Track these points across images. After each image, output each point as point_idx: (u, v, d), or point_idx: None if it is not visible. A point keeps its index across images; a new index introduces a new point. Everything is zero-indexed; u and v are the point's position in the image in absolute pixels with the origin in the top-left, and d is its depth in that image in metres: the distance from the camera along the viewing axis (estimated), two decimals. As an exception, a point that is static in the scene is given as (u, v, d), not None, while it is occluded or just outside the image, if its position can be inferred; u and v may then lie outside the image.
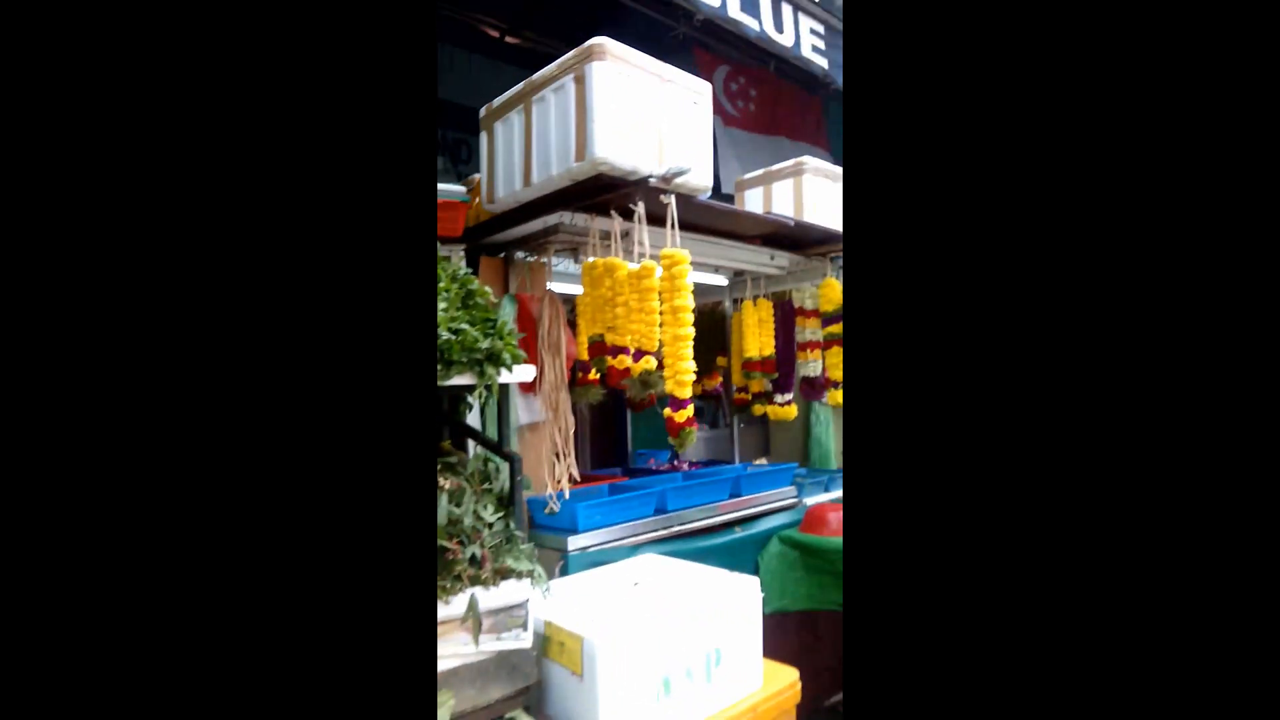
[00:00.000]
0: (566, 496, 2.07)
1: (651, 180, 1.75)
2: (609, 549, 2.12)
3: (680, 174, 1.75)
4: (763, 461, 3.40)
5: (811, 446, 4.79)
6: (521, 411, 2.24)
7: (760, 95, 3.90)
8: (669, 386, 1.74)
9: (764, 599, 2.60)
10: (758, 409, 3.04)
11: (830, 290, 2.73)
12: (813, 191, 2.63)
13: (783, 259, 2.83)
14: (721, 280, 3.01)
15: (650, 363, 1.76)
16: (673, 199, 1.77)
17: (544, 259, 2.22)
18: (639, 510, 2.32)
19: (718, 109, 3.73)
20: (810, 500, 2.91)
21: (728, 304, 3.20)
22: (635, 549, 2.14)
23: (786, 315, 2.91)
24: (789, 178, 2.67)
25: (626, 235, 1.98)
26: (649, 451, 3.64)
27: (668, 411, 1.79)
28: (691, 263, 2.83)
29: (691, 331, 1.75)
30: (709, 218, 2.21)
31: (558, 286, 2.28)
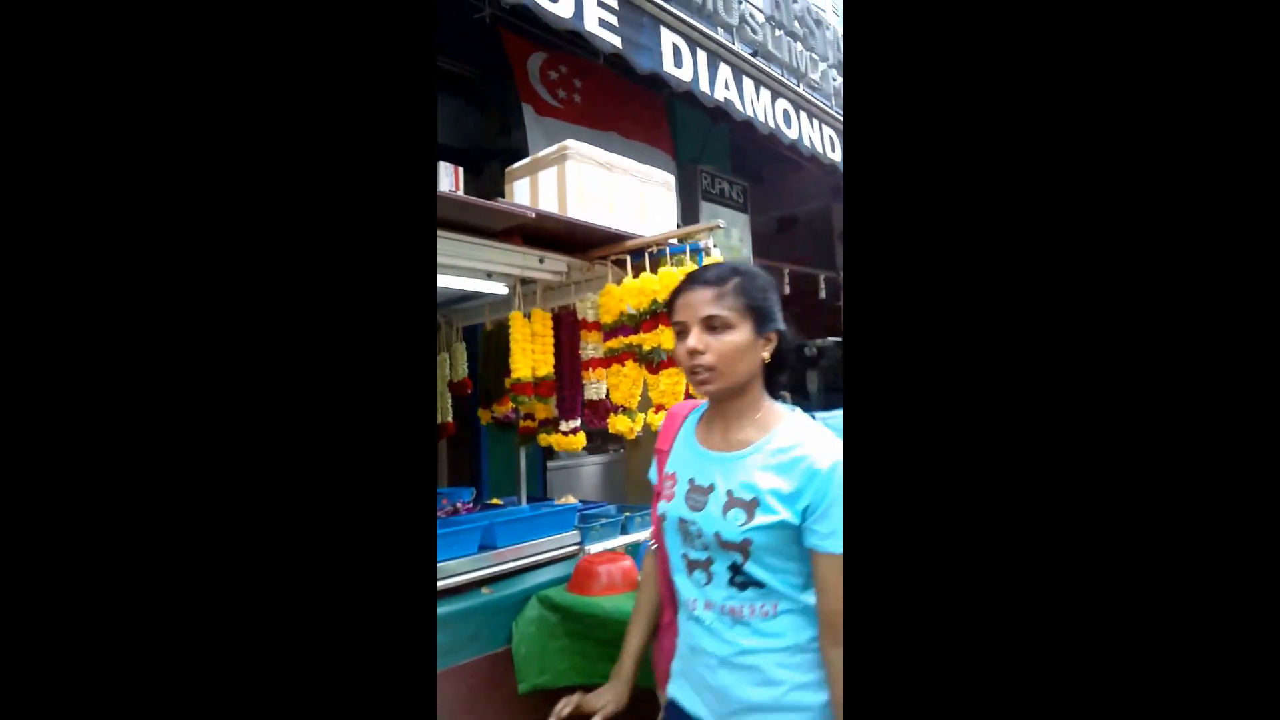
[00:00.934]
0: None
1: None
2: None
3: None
4: (568, 499, 2.94)
5: (666, 476, 4.38)
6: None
7: (586, 87, 3.51)
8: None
9: (520, 675, 2.16)
10: (543, 438, 2.59)
11: (609, 299, 2.30)
12: (578, 181, 2.22)
13: (559, 263, 2.40)
14: (501, 289, 2.56)
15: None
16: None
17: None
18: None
19: (530, 97, 3.32)
20: (595, 548, 2.46)
21: (515, 317, 2.76)
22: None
23: (570, 329, 2.48)
24: (553, 165, 2.25)
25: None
26: (448, 490, 3.13)
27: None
28: (446, 265, 2.42)
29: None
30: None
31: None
